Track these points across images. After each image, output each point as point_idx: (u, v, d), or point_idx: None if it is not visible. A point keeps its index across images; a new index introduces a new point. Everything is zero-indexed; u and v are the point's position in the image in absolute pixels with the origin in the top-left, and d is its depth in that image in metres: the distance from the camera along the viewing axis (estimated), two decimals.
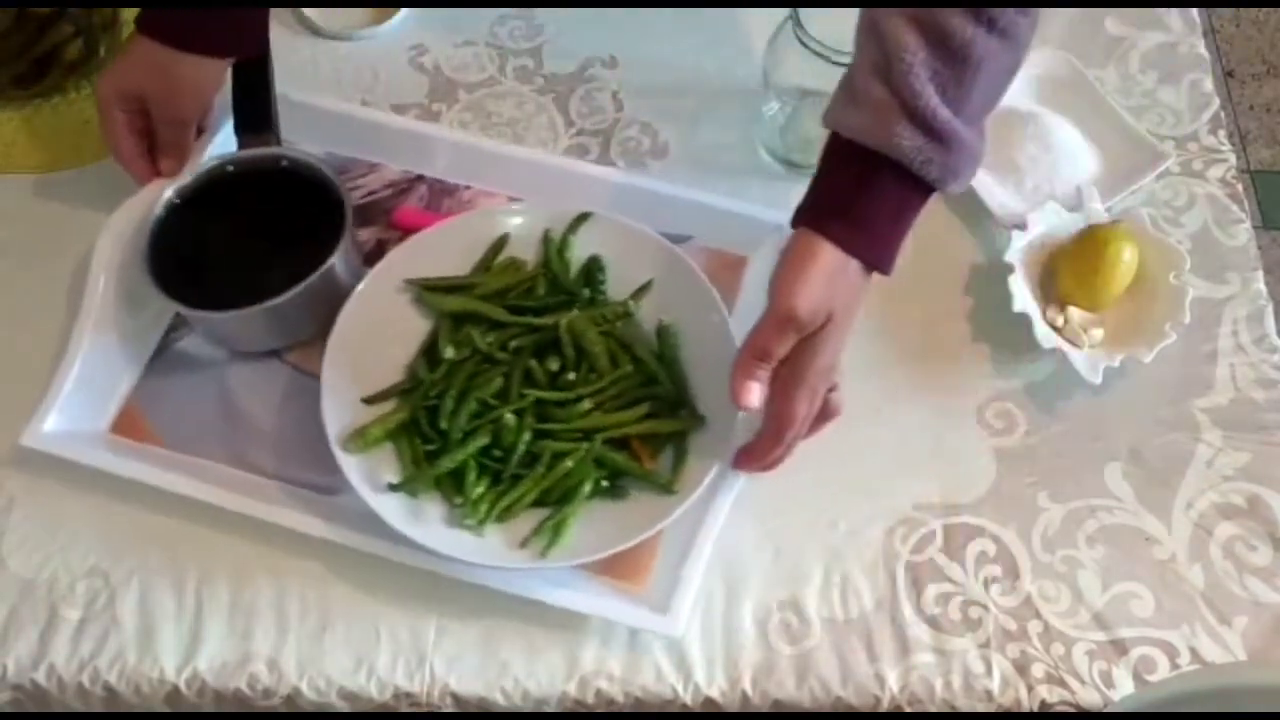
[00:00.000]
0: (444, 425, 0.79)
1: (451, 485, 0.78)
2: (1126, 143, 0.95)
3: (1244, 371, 0.87)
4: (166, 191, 0.85)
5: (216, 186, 0.87)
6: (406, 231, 0.90)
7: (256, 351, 0.87)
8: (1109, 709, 0.75)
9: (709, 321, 0.82)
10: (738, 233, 0.89)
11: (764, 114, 0.95)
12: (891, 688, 0.76)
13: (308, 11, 1.02)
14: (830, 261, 0.70)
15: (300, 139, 0.92)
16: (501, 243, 0.87)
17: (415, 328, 0.85)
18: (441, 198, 0.94)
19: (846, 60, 0.83)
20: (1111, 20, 1.04)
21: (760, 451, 0.76)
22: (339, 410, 0.80)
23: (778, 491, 0.81)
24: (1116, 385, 0.86)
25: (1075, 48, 1.00)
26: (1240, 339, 0.89)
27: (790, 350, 0.72)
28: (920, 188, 0.71)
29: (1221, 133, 0.98)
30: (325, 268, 0.82)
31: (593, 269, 0.86)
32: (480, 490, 0.78)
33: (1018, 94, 0.97)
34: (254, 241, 0.86)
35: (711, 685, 0.76)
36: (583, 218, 0.86)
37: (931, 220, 0.91)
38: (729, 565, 0.80)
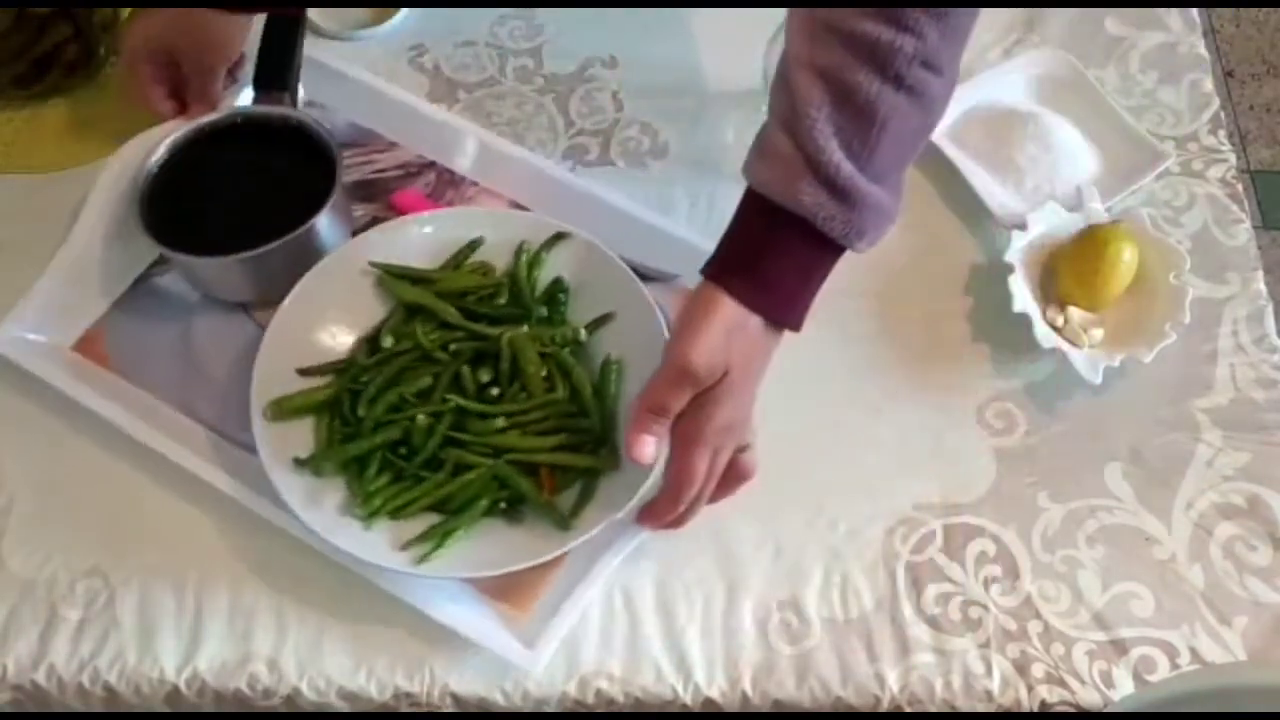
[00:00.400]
0: (361, 412, 0.79)
1: (355, 473, 0.78)
2: (1126, 143, 0.95)
3: (1244, 371, 0.87)
4: (175, 134, 0.87)
5: (223, 136, 0.88)
6: (402, 214, 0.90)
7: (229, 301, 0.88)
8: (1109, 709, 0.75)
9: (655, 366, 0.79)
10: None
11: (764, 114, 0.95)
12: (891, 688, 0.76)
13: (308, 11, 1.02)
14: (730, 316, 0.69)
15: (328, 103, 0.95)
16: (476, 244, 0.86)
17: (371, 310, 0.85)
18: (447, 188, 0.94)
19: None
20: (1111, 20, 1.04)
21: (660, 510, 0.74)
22: (272, 375, 0.81)
23: (778, 491, 0.81)
24: (1116, 385, 0.86)
25: (1075, 48, 1.00)
26: (1240, 339, 0.89)
27: (688, 405, 0.71)
28: (828, 246, 0.69)
29: (1221, 133, 0.98)
30: (305, 228, 0.83)
31: (555, 291, 0.85)
32: (379, 484, 0.78)
33: (1018, 94, 0.97)
34: (247, 194, 0.87)
35: (711, 685, 0.76)
36: (560, 236, 0.85)
37: (931, 220, 0.92)
38: (729, 565, 0.80)
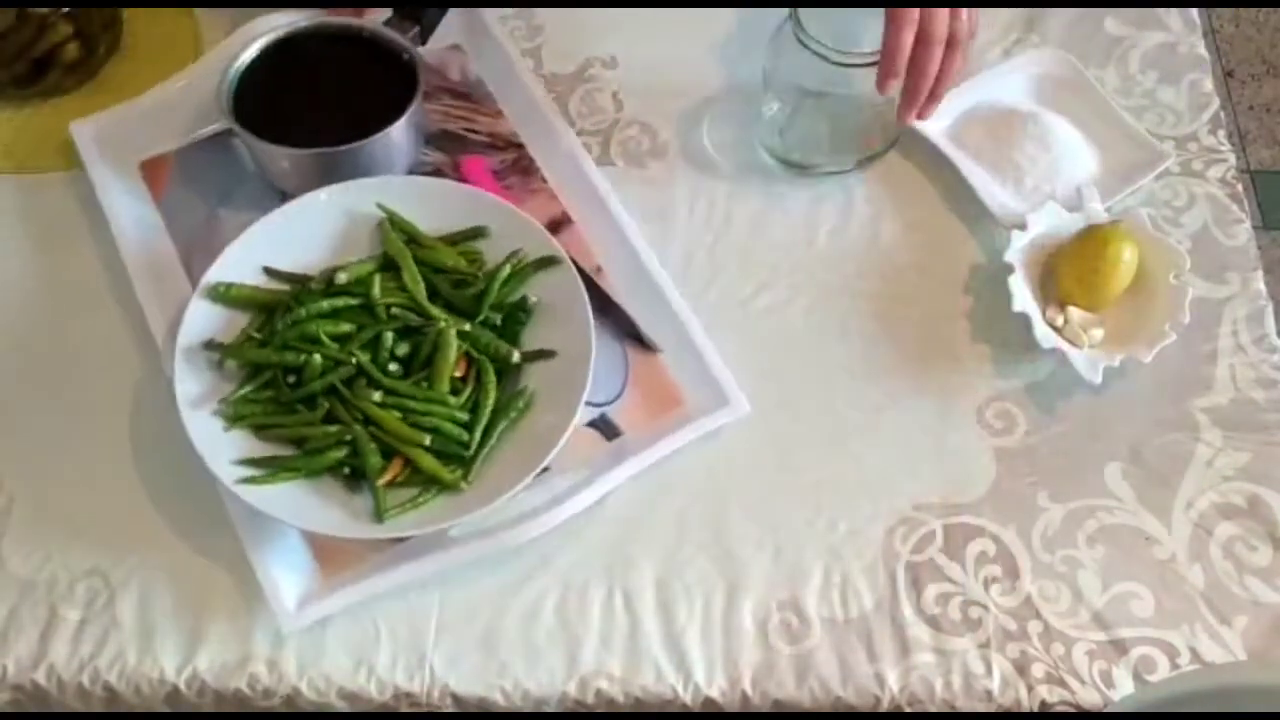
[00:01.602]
0: (278, 326, 0.81)
1: (246, 379, 0.81)
2: (1126, 143, 0.95)
3: (1244, 371, 0.87)
4: (273, 32, 0.91)
5: (326, 41, 0.92)
6: (462, 177, 0.92)
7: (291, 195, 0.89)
8: (1109, 709, 0.75)
9: (550, 423, 0.79)
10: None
11: (764, 114, 0.95)
12: (891, 688, 0.76)
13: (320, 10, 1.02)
14: None
15: (470, 51, 1.00)
16: (481, 232, 0.87)
17: (358, 244, 0.86)
18: (513, 174, 0.95)
19: (847, 60, 0.84)
20: (1111, 20, 1.04)
21: (890, 54, 0.79)
22: (242, 260, 0.84)
23: (778, 492, 0.81)
24: (1116, 385, 0.86)
25: (1075, 48, 1.00)
26: (1240, 339, 0.89)
27: None
28: None
29: (1221, 133, 0.98)
30: (379, 135, 0.86)
31: (517, 308, 0.84)
32: (257, 396, 0.80)
33: (1018, 94, 0.97)
34: (326, 98, 0.91)
35: (711, 685, 0.76)
36: (553, 261, 0.85)
37: (931, 220, 0.92)
38: (729, 565, 0.80)
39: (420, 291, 0.84)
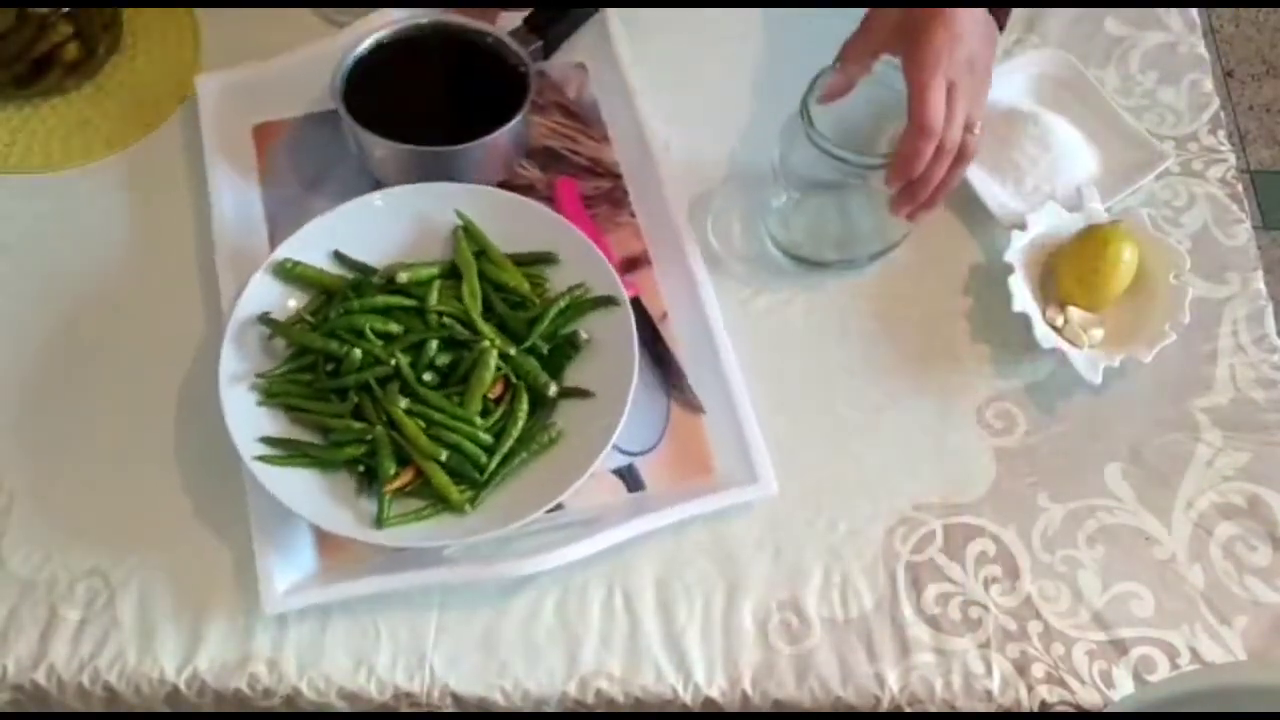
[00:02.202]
0: (331, 315, 0.82)
1: (289, 359, 0.82)
2: (1126, 143, 0.95)
3: (1244, 371, 0.87)
4: (405, 24, 0.92)
5: (448, 41, 0.92)
6: (548, 200, 0.91)
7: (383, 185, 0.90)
8: (1109, 709, 0.75)
9: (571, 463, 0.78)
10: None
11: (772, 205, 0.91)
12: (891, 688, 0.76)
13: (325, 10, 1.01)
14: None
15: (592, 71, 0.98)
16: (551, 259, 0.85)
17: (430, 247, 0.86)
18: (605, 203, 0.93)
19: (853, 157, 0.81)
20: (1111, 20, 1.04)
21: (904, 163, 0.78)
22: (311, 240, 0.84)
23: (778, 491, 0.81)
24: (1116, 385, 0.86)
25: (1075, 48, 1.00)
26: (1240, 339, 0.89)
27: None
28: None
29: (1221, 133, 0.98)
30: (478, 142, 0.86)
31: (567, 342, 0.83)
32: (295, 377, 0.81)
33: (1018, 94, 0.97)
34: (442, 99, 0.92)
35: (711, 685, 0.76)
36: (613, 301, 0.83)
37: (932, 220, 0.92)
38: (729, 565, 0.80)
39: (476, 306, 0.83)
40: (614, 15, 0.98)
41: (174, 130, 0.96)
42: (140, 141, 0.95)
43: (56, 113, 0.97)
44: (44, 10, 0.93)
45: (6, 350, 0.87)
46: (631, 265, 0.90)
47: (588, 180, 0.94)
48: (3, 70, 0.95)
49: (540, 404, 0.82)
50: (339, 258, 0.85)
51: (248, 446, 0.77)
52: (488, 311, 0.84)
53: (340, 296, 0.83)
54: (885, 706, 0.76)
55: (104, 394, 0.85)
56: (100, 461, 0.83)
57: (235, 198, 0.91)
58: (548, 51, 0.94)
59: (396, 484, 0.78)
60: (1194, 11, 1.05)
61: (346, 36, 0.92)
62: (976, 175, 0.92)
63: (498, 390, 0.81)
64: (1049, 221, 0.89)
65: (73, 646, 0.76)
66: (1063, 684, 0.76)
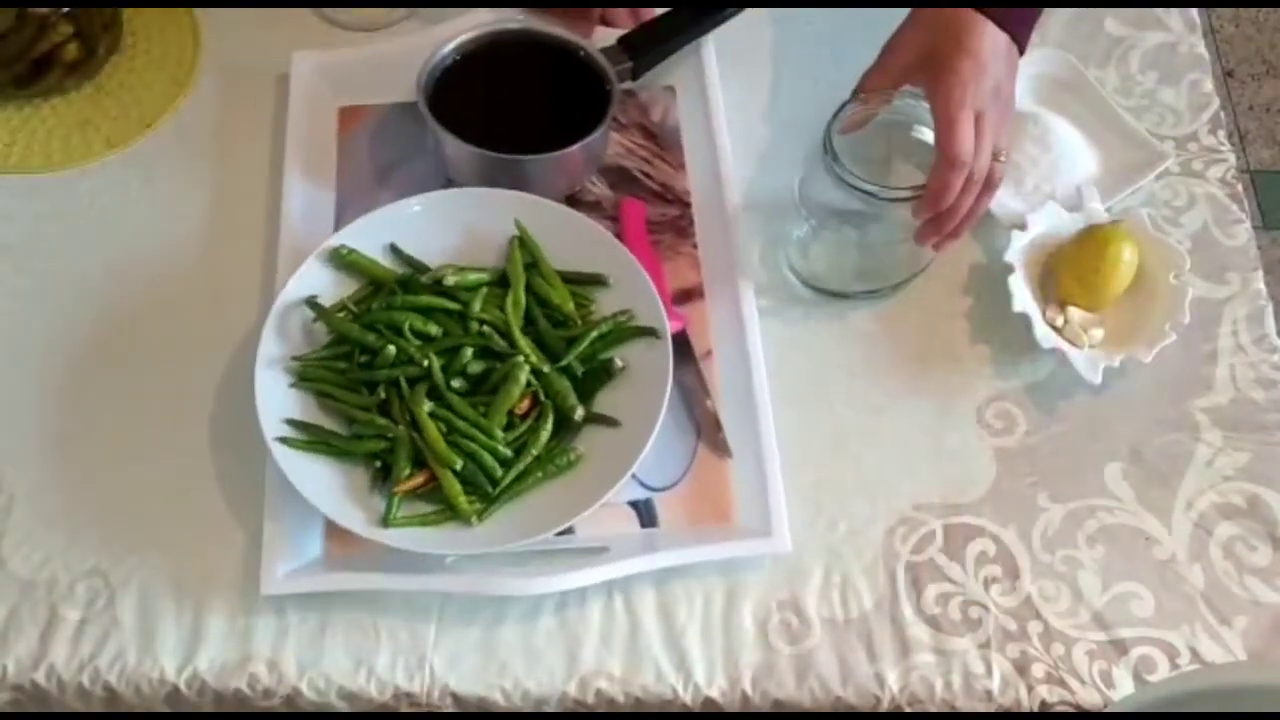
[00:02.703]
0: (373, 306, 0.82)
1: (328, 346, 0.82)
2: (1126, 143, 0.95)
3: (1244, 371, 0.87)
4: (497, 26, 0.92)
5: (537, 48, 0.92)
6: (612, 219, 0.91)
7: (454, 184, 0.91)
8: (1109, 709, 0.75)
9: (586, 490, 0.78)
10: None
11: (793, 235, 0.91)
12: (891, 688, 0.76)
13: (325, 10, 1.01)
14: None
15: (679, 95, 0.98)
16: (602, 280, 0.85)
17: (483, 252, 0.86)
18: (670, 230, 0.92)
19: (879, 191, 0.80)
20: (1111, 20, 1.04)
21: (935, 195, 0.78)
22: (369, 231, 0.85)
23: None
24: (1116, 385, 0.86)
25: (1075, 48, 1.00)
26: (1240, 339, 0.89)
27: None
28: None
29: (1221, 133, 0.98)
30: (551, 154, 0.87)
31: (602, 367, 0.82)
32: (331, 365, 0.81)
33: (1018, 94, 0.97)
34: (522, 106, 0.92)
35: (711, 685, 0.76)
36: (652, 334, 0.82)
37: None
38: (729, 565, 0.80)
39: (517, 318, 0.83)
40: (710, 43, 0.97)
41: (174, 130, 0.96)
42: (140, 141, 0.96)
43: (56, 113, 0.97)
44: (44, 10, 0.93)
45: (6, 350, 0.87)
46: (685, 297, 0.89)
47: (655, 205, 0.93)
48: (3, 70, 0.95)
49: (565, 426, 0.81)
50: (394, 251, 0.86)
51: (272, 427, 0.78)
52: (529, 325, 0.83)
53: (386, 290, 0.83)
54: (885, 706, 0.76)
55: (104, 393, 0.85)
56: (100, 461, 0.83)
57: (308, 177, 0.91)
58: (637, 73, 0.93)
59: (408, 485, 0.78)
60: (1194, 11, 1.05)
61: (443, 29, 0.93)
62: None
63: (525, 406, 0.81)
64: (1049, 221, 0.89)
65: (73, 646, 0.76)
66: (1063, 684, 0.76)
